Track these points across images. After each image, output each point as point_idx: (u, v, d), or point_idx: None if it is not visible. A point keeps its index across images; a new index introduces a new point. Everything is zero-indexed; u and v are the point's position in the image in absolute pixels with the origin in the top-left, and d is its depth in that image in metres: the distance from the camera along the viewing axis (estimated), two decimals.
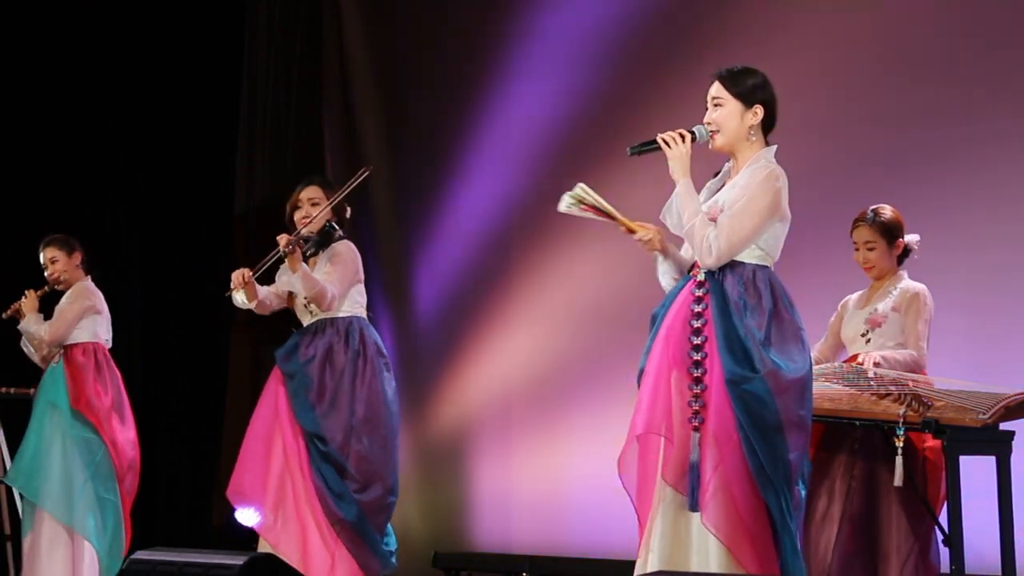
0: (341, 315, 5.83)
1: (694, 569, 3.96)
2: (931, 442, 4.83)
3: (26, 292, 6.60)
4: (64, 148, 8.38)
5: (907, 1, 6.45)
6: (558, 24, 7.56)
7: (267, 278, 5.98)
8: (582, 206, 4.22)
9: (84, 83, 8.42)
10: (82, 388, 6.43)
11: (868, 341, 5.06)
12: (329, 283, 5.72)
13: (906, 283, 5.09)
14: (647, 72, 7.15)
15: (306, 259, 5.79)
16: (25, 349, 6.65)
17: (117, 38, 8.49)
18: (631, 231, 4.26)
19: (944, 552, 4.79)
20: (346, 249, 5.84)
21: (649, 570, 3.95)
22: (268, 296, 5.91)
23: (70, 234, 6.74)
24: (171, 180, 8.61)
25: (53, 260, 6.59)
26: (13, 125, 8.23)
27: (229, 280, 5.78)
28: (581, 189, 4.22)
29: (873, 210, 5.11)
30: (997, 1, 6.23)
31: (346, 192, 5.83)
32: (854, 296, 5.24)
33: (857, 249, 5.13)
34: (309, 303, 5.81)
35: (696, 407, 4.01)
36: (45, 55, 8.36)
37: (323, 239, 5.86)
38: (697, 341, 4.06)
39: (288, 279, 5.77)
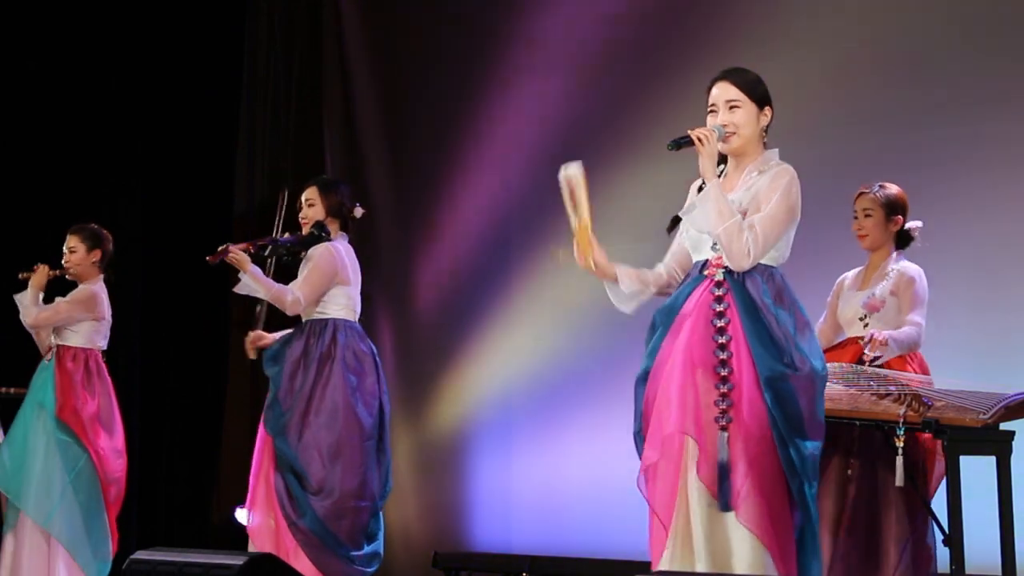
0: (319, 317, 5.83)
1: (737, 571, 3.96)
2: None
3: (39, 265, 6.51)
4: (64, 149, 8.38)
5: (906, 2, 6.45)
6: (558, 24, 7.56)
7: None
8: (571, 189, 4.23)
9: (84, 84, 8.42)
10: (68, 396, 6.37)
11: (866, 325, 5.10)
12: (295, 285, 5.74)
13: (903, 265, 5.14)
14: (647, 72, 7.15)
15: (287, 262, 5.83)
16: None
17: (116, 39, 8.49)
18: (580, 241, 4.24)
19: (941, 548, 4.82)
20: (322, 252, 5.81)
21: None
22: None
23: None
24: (171, 180, 8.60)
25: (72, 250, 6.51)
26: (14, 126, 8.23)
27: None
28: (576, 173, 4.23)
29: (880, 184, 5.21)
30: (996, 2, 6.23)
31: (279, 222, 5.92)
32: (850, 274, 5.28)
33: (856, 217, 5.18)
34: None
35: (723, 406, 4.00)
36: (45, 56, 8.36)
37: (308, 241, 5.85)
38: (722, 340, 4.05)
39: (244, 282, 5.78)
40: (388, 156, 8.15)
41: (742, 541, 3.96)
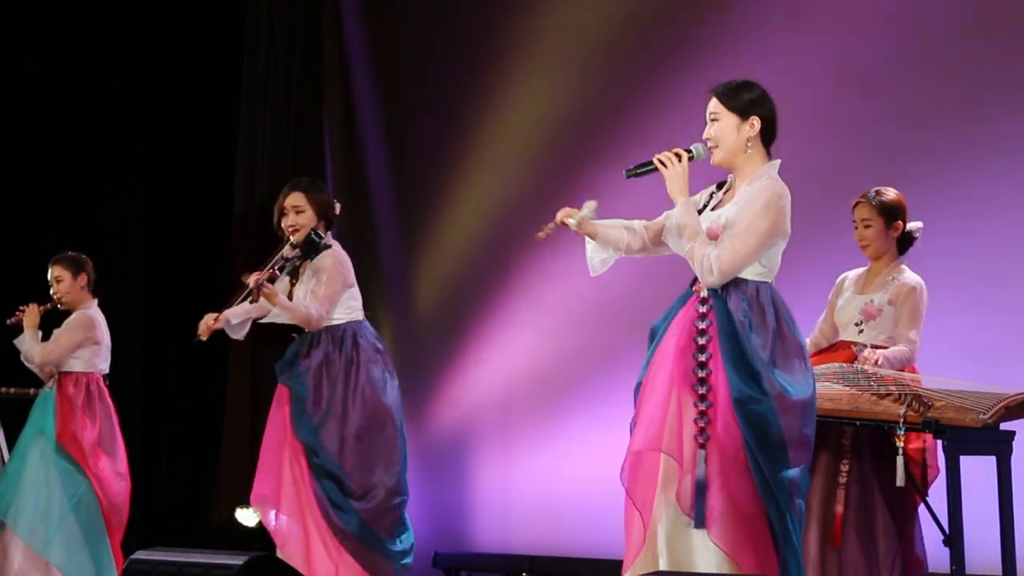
0: (335, 322, 5.80)
1: None
2: (914, 443, 4.85)
3: (28, 305, 6.53)
4: (64, 149, 8.38)
5: (910, 1, 6.45)
6: (558, 24, 7.55)
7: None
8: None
9: (84, 84, 8.42)
10: (67, 422, 6.37)
11: (861, 332, 5.08)
12: (314, 303, 5.69)
13: (905, 276, 5.09)
14: (647, 72, 7.15)
15: (291, 273, 5.79)
16: (26, 363, 6.60)
17: (116, 39, 8.49)
18: (563, 224, 4.34)
19: (933, 550, 4.83)
20: (332, 263, 5.75)
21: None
22: (261, 307, 5.86)
23: (70, 237, 6.70)
24: (171, 180, 8.61)
25: (58, 279, 6.53)
26: (14, 126, 8.23)
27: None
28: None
29: (876, 190, 5.15)
30: (1002, 1, 6.23)
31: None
32: (852, 274, 5.24)
33: (856, 227, 5.16)
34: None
35: (702, 424, 4.01)
36: (45, 56, 8.36)
37: (308, 250, 5.77)
38: (702, 358, 4.06)
39: (272, 311, 5.73)
40: (388, 156, 8.15)
41: (711, 559, 3.96)
